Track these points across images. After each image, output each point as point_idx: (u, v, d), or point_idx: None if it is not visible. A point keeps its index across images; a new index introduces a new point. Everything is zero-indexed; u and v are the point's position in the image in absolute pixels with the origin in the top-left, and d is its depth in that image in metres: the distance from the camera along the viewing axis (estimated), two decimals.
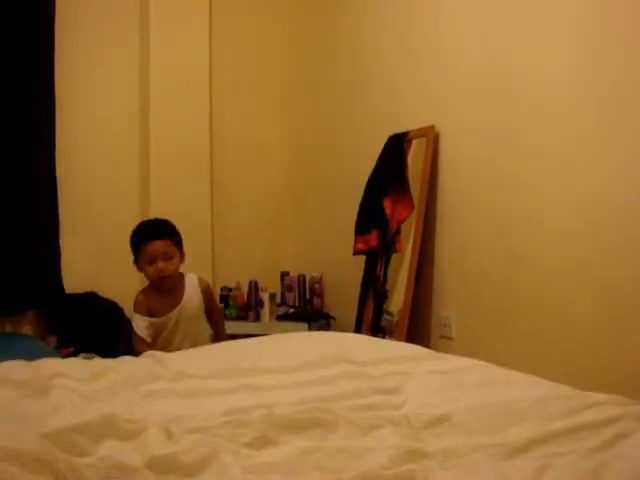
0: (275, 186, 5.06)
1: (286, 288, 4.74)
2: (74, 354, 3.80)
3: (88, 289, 4.30)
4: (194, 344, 3.31)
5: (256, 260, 4.90)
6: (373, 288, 4.05)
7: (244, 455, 1.43)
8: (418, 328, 3.85)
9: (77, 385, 2.05)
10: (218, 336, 3.61)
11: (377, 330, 3.98)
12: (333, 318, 4.60)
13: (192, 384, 2.03)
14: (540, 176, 3.20)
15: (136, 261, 3.48)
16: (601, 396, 1.84)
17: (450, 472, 1.39)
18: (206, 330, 3.59)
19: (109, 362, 2.33)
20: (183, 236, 4.58)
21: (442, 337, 3.77)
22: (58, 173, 4.26)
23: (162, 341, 3.47)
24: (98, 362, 2.35)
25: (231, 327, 4.34)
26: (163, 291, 3.52)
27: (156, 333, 3.48)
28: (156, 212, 4.53)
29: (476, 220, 3.58)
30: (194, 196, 4.71)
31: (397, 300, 3.89)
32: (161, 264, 3.41)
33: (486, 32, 3.49)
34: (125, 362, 2.37)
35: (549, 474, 1.36)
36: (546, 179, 3.17)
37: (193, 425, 1.53)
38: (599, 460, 1.38)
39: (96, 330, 4.12)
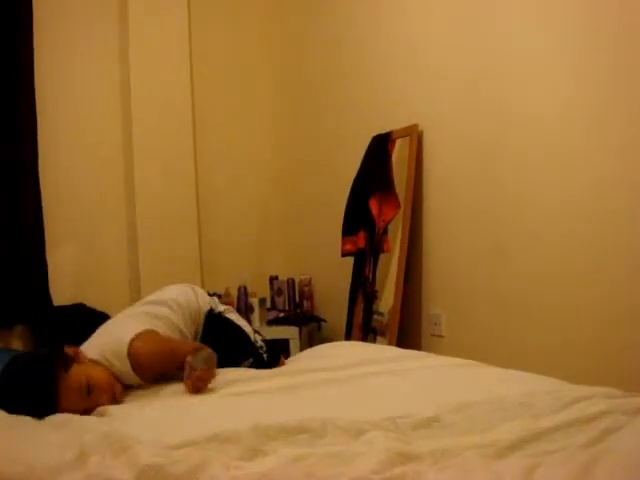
0: (261, 190, 5.05)
1: (275, 292, 4.73)
2: None
3: (76, 301, 4.27)
4: None
5: (244, 265, 4.88)
6: (362, 289, 4.04)
7: (234, 466, 1.43)
8: (409, 327, 3.84)
9: None
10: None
11: (368, 331, 3.98)
12: (324, 320, 4.59)
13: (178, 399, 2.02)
14: (526, 172, 3.20)
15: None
16: (588, 389, 1.84)
17: (441, 474, 1.38)
18: None
19: None
20: (171, 243, 4.60)
21: (433, 335, 3.76)
22: (42, 185, 4.22)
23: None
24: None
25: None
26: None
27: None
28: (142, 220, 4.53)
29: (463, 217, 3.58)
30: (180, 203, 4.69)
31: (387, 300, 3.89)
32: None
33: (469, 30, 3.49)
34: None
35: (540, 472, 1.36)
36: (532, 176, 3.18)
37: (182, 439, 1.52)
38: (589, 456, 1.38)
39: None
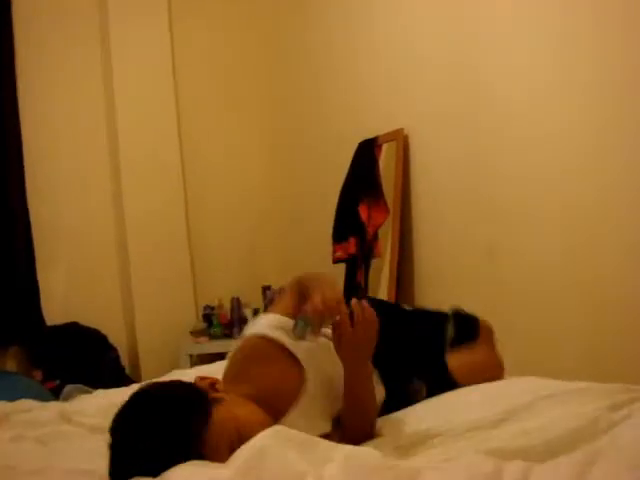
0: (251, 200, 5.04)
1: (268, 302, 4.71)
2: (60, 387, 3.76)
3: (69, 319, 4.26)
4: None
5: (236, 276, 4.87)
6: (355, 295, 4.03)
7: None
8: None
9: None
10: None
11: None
12: None
13: None
14: (514, 172, 3.21)
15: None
16: (585, 385, 1.81)
17: (438, 470, 1.36)
18: None
19: None
20: (162, 257, 4.58)
21: None
22: (30, 205, 4.21)
23: None
24: None
25: (217, 346, 4.34)
26: None
27: None
28: (132, 236, 4.51)
29: (452, 219, 3.58)
30: (170, 217, 4.68)
31: None
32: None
33: (452, 32, 3.49)
34: None
35: (537, 472, 1.34)
36: (518, 175, 3.18)
37: None
38: (587, 454, 1.37)
39: (81, 360, 4.08)
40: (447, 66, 3.52)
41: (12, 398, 2.61)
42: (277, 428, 1.46)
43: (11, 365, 4.15)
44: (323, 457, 1.33)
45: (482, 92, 3.33)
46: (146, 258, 4.57)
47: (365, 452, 1.39)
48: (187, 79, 4.83)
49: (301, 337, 1.68)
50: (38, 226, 4.24)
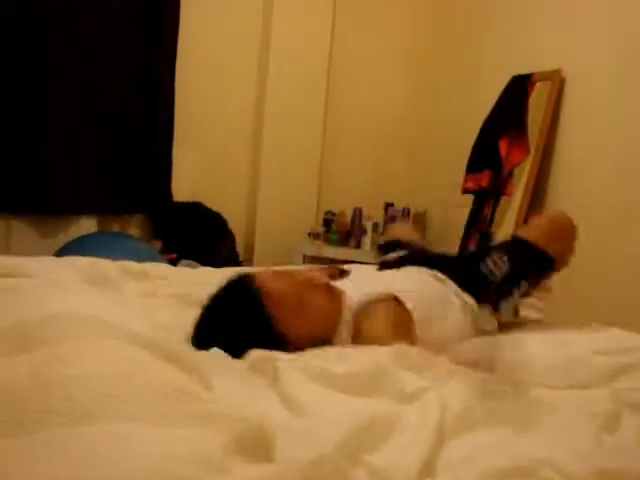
0: (389, 116, 5.01)
1: (389, 219, 4.72)
2: (176, 260, 3.90)
3: (196, 199, 4.38)
4: None
5: (362, 188, 4.88)
6: (478, 228, 3.99)
7: None
8: None
9: None
10: None
11: None
12: None
13: None
14: None
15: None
16: None
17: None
18: None
19: None
20: (293, 156, 4.64)
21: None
22: (177, 85, 4.30)
23: None
24: None
25: (331, 251, 4.41)
26: None
27: None
28: (269, 131, 4.58)
29: (594, 175, 3.45)
30: (307, 119, 4.70)
31: None
32: None
33: None
34: None
35: None
36: None
37: None
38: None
39: (199, 239, 4.20)
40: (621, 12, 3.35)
41: (136, 260, 2.73)
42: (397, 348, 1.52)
43: (134, 232, 4.31)
44: (442, 376, 1.38)
45: None
46: (278, 155, 4.63)
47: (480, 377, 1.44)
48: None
49: None
50: (181, 106, 4.33)
